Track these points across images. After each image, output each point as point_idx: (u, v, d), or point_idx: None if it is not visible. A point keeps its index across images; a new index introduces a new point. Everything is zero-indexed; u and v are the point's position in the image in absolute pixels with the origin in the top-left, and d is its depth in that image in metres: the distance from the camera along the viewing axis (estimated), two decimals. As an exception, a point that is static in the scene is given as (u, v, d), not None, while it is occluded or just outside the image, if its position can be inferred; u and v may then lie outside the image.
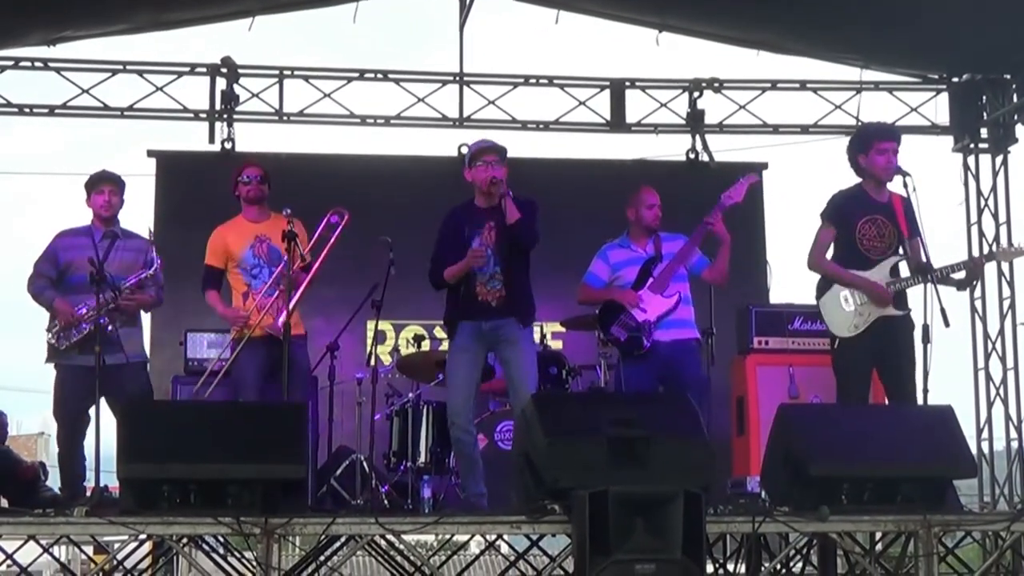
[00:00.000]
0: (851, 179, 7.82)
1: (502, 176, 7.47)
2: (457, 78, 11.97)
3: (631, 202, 8.21)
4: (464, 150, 7.76)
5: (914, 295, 7.48)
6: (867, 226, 7.68)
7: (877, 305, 7.55)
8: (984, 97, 11.99)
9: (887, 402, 7.73)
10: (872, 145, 7.70)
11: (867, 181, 7.75)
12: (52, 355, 7.75)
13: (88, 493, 7.46)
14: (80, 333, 7.56)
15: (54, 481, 10.83)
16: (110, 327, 7.51)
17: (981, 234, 11.86)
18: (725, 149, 12.18)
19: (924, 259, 7.52)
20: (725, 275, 8.17)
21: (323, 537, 6.92)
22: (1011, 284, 11.59)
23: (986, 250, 11.60)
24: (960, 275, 7.69)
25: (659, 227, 8.19)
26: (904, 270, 7.66)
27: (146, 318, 8.34)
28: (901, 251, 7.64)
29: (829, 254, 7.81)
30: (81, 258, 7.58)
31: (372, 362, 8.74)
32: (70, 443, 7.64)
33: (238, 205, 8.01)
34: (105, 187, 7.78)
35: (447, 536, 9.46)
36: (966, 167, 12.13)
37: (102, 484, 7.50)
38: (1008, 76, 11.73)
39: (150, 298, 7.80)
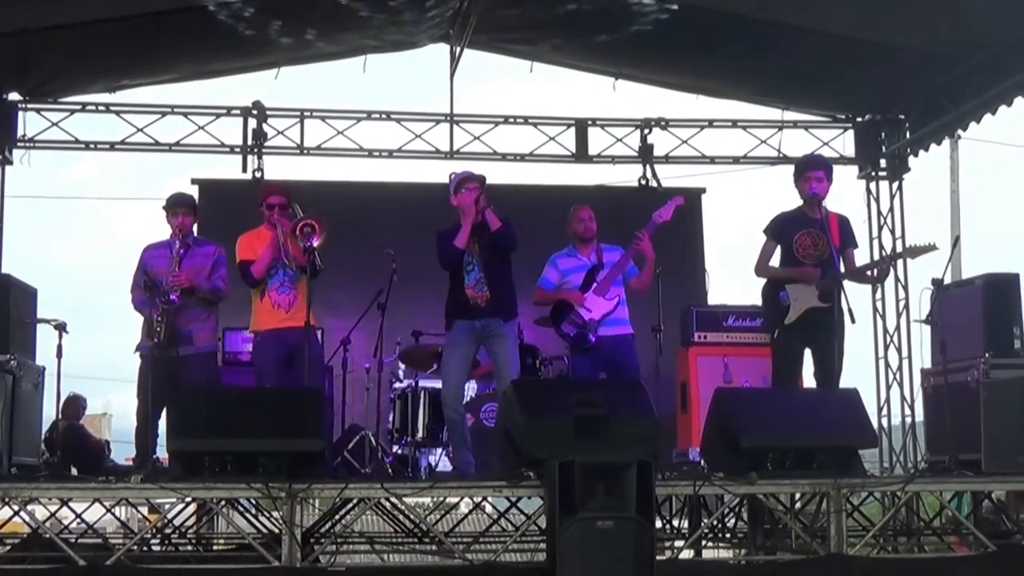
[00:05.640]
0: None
1: (483, 194, 7.48)
2: (448, 118, 11.92)
3: (568, 220, 8.24)
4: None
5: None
6: (803, 238, 7.83)
7: (807, 294, 7.62)
8: (883, 133, 11.99)
9: (814, 379, 7.78)
10: (803, 173, 7.93)
11: (805, 203, 7.90)
12: (137, 347, 7.77)
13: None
14: (159, 329, 7.51)
15: (119, 455, 10.81)
16: (186, 328, 7.59)
17: (881, 246, 11.89)
18: (671, 176, 12.17)
19: (838, 271, 7.61)
20: (647, 285, 8.21)
21: (338, 499, 6.91)
22: (906, 288, 11.63)
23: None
24: (872, 273, 8.12)
25: (594, 236, 8.19)
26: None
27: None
28: (837, 258, 7.69)
29: (774, 264, 7.93)
30: (162, 266, 7.67)
31: (378, 354, 8.72)
32: (144, 419, 7.58)
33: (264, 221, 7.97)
34: (180, 211, 7.85)
35: (441, 498, 9.43)
36: (868, 192, 12.15)
37: (155, 456, 7.49)
38: (902, 116, 11.76)
39: (185, 278, 7.60)
